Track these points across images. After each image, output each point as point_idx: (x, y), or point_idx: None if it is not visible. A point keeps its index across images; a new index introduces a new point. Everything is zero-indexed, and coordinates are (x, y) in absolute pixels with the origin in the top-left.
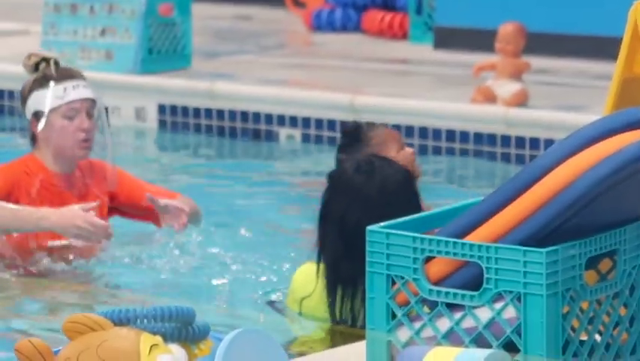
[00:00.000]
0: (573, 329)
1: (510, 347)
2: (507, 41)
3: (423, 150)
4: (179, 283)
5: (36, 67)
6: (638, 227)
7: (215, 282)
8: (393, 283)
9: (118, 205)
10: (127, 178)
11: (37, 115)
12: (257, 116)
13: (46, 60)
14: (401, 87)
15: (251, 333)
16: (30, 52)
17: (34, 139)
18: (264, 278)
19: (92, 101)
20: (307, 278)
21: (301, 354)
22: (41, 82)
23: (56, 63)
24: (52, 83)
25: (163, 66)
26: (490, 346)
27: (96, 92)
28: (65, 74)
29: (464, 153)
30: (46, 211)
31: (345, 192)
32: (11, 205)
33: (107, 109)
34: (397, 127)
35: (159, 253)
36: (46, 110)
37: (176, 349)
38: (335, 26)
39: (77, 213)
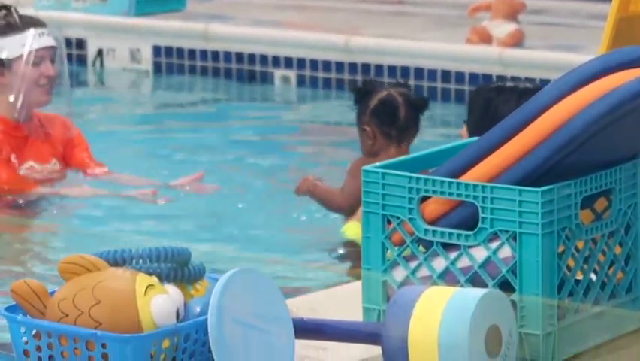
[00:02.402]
0: (569, 269)
1: (505, 286)
2: None
3: (418, 91)
4: (173, 225)
5: None
6: (633, 166)
7: (208, 223)
8: (389, 223)
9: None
10: (79, 138)
11: (1, 62)
12: (252, 57)
13: (6, 8)
14: (396, 28)
15: (247, 273)
16: None
17: None
18: (257, 219)
19: (54, 49)
20: None
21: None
22: (4, 30)
23: (17, 11)
24: (17, 31)
25: (158, 8)
26: (485, 285)
27: (57, 40)
28: (29, 22)
29: (460, 93)
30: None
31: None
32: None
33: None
34: (393, 68)
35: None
36: (11, 58)
37: (172, 289)
38: None
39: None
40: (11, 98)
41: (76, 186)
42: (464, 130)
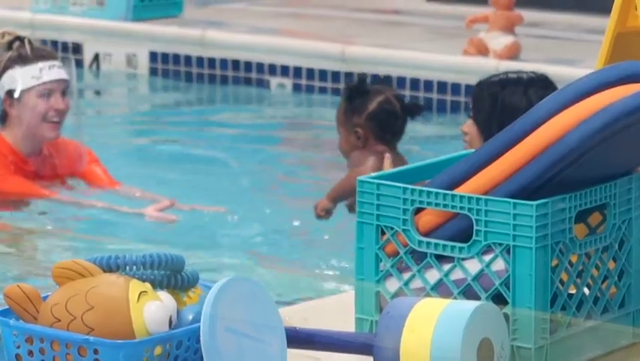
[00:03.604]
0: (562, 283)
1: (499, 299)
2: None
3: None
4: (169, 231)
5: (9, 45)
6: (628, 181)
7: (204, 228)
8: (383, 233)
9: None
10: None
11: (11, 93)
12: (248, 65)
13: (20, 39)
14: (393, 38)
15: (241, 281)
16: (2, 29)
17: (3, 118)
18: (251, 227)
19: (66, 82)
20: None
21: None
22: (16, 61)
23: (30, 42)
24: (28, 63)
25: (155, 13)
26: (478, 298)
27: (69, 72)
28: (41, 55)
29: (456, 105)
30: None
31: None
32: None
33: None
34: (389, 78)
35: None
36: (22, 89)
37: (165, 296)
38: None
39: (150, 214)
40: (19, 132)
41: (94, 200)
42: (467, 125)
